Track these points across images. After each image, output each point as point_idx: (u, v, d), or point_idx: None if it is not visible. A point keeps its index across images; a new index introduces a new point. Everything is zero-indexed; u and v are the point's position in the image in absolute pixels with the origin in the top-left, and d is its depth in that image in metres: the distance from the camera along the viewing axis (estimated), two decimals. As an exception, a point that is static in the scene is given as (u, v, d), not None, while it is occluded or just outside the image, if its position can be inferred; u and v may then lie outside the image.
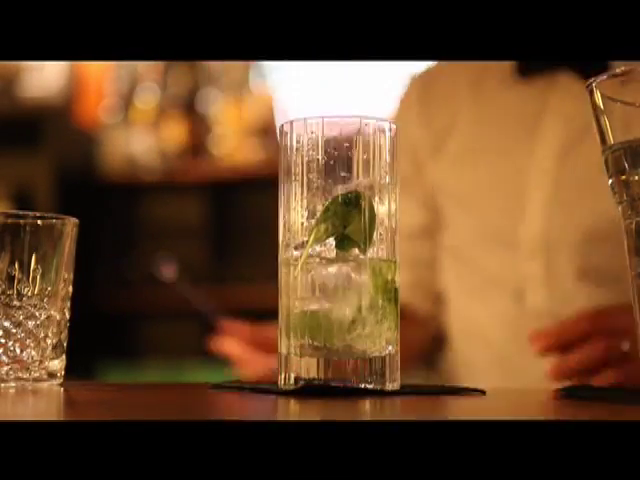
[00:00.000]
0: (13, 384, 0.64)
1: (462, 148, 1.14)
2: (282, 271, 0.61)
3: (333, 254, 0.60)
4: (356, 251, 0.59)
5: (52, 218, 0.68)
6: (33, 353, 0.65)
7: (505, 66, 1.12)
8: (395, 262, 0.61)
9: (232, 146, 2.67)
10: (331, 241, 0.59)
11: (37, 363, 0.65)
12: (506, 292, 1.10)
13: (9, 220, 0.66)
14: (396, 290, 0.61)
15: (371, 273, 0.60)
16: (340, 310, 0.59)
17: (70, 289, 0.69)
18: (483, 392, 0.61)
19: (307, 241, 0.60)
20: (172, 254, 2.76)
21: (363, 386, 0.59)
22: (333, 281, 0.59)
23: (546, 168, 1.08)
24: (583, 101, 0.93)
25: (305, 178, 0.60)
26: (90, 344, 2.44)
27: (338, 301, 0.59)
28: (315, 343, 0.59)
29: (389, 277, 0.61)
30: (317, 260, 0.60)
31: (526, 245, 1.08)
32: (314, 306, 0.59)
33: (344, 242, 0.59)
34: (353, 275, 0.60)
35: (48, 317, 0.66)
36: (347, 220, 0.59)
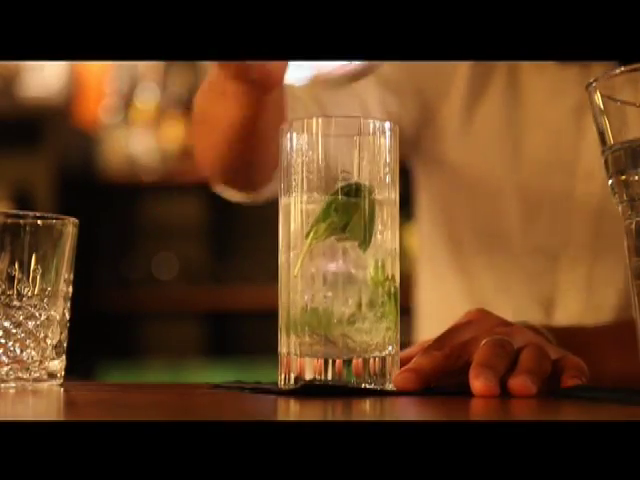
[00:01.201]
0: (13, 384, 0.64)
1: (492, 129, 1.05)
2: (282, 270, 0.61)
3: (333, 251, 0.60)
4: (356, 248, 0.59)
5: (52, 218, 0.68)
6: (33, 353, 0.65)
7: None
8: (396, 257, 0.61)
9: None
10: (332, 238, 0.59)
11: (37, 363, 0.65)
12: (534, 301, 1.04)
13: (9, 220, 0.66)
14: (396, 289, 0.61)
15: (371, 270, 0.60)
16: (340, 305, 0.59)
17: (70, 289, 0.69)
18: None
19: (307, 240, 0.60)
20: (172, 254, 2.77)
21: (363, 386, 0.59)
22: (333, 278, 0.59)
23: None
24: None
25: (304, 178, 0.60)
26: (90, 344, 2.44)
27: (338, 297, 0.59)
28: (316, 332, 0.59)
29: (389, 275, 0.61)
30: (317, 258, 0.60)
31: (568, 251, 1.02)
32: (314, 302, 0.59)
33: (344, 239, 0.59)
34: (353, 271, 0.60)
35: (48, 317, 0.66)
36: (347, 217, 0.59)
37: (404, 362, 0.62)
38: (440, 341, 0.63)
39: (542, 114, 1.04)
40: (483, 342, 0.61)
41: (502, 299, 1.05)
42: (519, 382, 0.58)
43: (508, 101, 1.04)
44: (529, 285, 1.05)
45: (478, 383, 0.57)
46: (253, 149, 0.89)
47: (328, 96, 0.97)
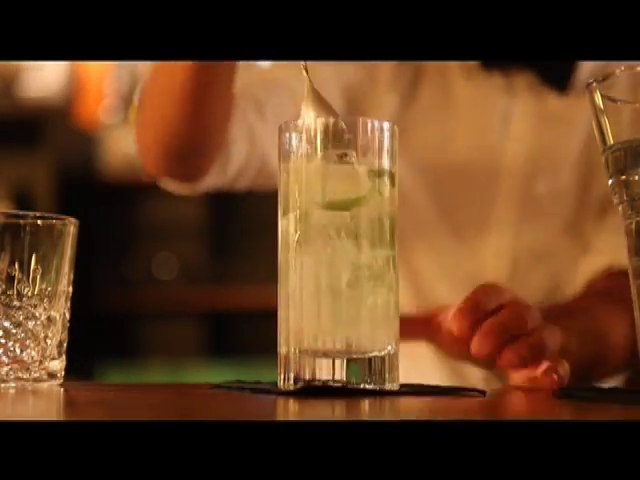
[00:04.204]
0: (13, 384, 0.64)
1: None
2: (281, 271, 0.61)
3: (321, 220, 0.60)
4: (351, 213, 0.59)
5: (52, 218, 0.68)
6: (33, 353, 0.65)
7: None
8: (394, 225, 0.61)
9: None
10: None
11: (37, 363, 0.65)
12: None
13: (9, 220, 0.66)
14: (394, 259, 0.61)
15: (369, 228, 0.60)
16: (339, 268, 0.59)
17: (70, 289, 0.69)
18: (483, 392, 0.61)
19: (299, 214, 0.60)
20: (172, 254, 2.77)
21: (363, 386, 0.59)
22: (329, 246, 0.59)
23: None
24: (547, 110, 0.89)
25: (304, 178, 0.60)
26: (90, 344, 2.44)
27: (336, 264, 0.59)
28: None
29: (388, 240, 0.61)
30: (313, 226, 0.60)
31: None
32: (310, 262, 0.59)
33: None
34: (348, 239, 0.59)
35: (48, 317, 0.66)
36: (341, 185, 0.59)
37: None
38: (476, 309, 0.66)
39: (470, 119, 1.06)
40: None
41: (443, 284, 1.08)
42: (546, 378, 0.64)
43: (439, 107, 1.06)
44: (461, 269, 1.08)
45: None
46: (197, 132, 0.93)
47: (266, 96, 1.00)
